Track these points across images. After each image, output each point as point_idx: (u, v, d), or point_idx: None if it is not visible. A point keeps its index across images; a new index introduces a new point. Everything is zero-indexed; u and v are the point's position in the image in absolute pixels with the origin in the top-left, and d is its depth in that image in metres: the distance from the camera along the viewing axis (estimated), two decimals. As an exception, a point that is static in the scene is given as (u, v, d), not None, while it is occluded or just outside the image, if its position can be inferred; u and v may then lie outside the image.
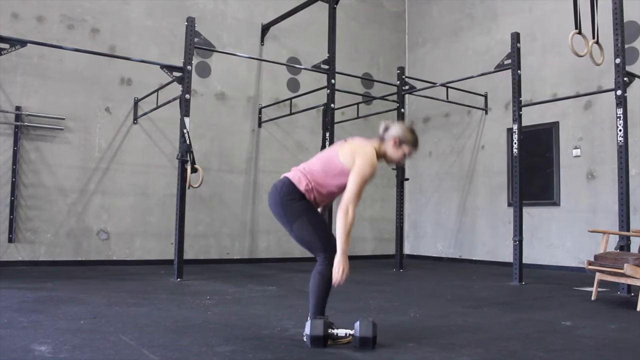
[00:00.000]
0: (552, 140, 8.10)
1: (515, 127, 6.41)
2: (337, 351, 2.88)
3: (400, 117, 8.08)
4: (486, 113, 9.18)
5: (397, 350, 2.94)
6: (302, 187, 3.01)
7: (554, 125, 8.11)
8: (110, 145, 7.69)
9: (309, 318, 3.10)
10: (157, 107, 7.30)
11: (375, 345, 2.91)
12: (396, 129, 3.12)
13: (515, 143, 6.39)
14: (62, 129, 7.29)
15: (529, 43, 8.23)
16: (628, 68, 5.68)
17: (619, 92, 5.39)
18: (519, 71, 6.46)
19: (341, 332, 3.04)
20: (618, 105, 5.41)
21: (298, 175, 3.05)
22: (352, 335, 2.95)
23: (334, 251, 2.94)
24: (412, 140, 3.14)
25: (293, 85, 9.28)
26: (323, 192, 3.05)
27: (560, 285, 6.17)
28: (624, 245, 5.22)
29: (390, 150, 3.12)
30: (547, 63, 8.29)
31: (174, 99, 6.45)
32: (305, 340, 3.07)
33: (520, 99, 6.46)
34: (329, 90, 7.06)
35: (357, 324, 2.92)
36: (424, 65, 10.32)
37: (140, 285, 5.48)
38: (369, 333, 2.90)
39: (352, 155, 3.00)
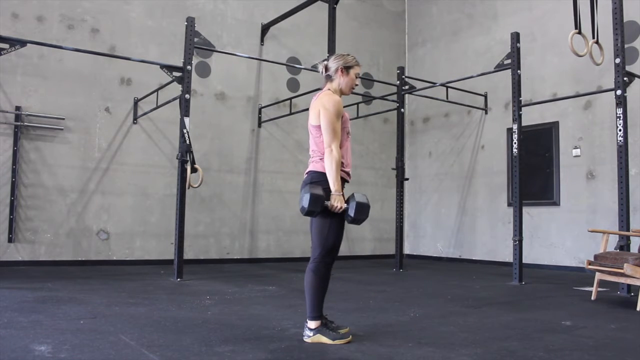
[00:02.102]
0: (552, 140, 8.10)
1: (515, 127, 6.41)
2: (337, 351, 2.88)
3: (400, 116, 8.09)
4: (486, 113, 9.18)
5: (397, 350, 2.94)
6: (320, 168, 3.14)
7: (554, 125, 8.11)
8: (110, 145, 7.69)
9: (307, 320, 3.10)
10: (157, 107, 7.30)
11: (366, 218, 3.05)
12: (334, 62, 3.26)
13: (515, 143, 6.39)
14: (62, 129, 7.29)
15: (529, 43, 8.23)
16: (628, 68, 5.68)
17: (618, 92, 5.39)
18: (518, 71, 6.46)
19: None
20: (618, 105, 5.41)
21: (312, 164, 3.22)
22: (348, 205, 3.03)
23: (331, 256, 3.14)
24: (353, 61, 3.28)
25: (293, 85, 9.28)
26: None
27: (560, 285, 6.17)
28: (624, 245, 5.22)
29: (343, 81, 3.25)
30: (547, 63, 8.29)
31: (174, 99, 6.45)
32: (305, 339, 3.08)
33: (520, 98, 6.46)
34: (328, 90, 7.06)
35: (353, 196, 3.05)
36: (423, 65, 10.32)
37: (140, 285, 5.48)
38: (365, 200, 3.04)
39: (317, 111, 3.15)
